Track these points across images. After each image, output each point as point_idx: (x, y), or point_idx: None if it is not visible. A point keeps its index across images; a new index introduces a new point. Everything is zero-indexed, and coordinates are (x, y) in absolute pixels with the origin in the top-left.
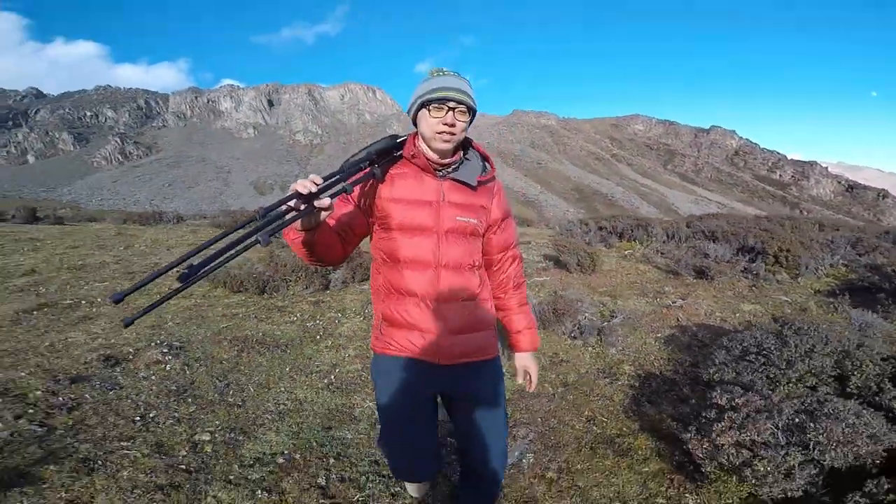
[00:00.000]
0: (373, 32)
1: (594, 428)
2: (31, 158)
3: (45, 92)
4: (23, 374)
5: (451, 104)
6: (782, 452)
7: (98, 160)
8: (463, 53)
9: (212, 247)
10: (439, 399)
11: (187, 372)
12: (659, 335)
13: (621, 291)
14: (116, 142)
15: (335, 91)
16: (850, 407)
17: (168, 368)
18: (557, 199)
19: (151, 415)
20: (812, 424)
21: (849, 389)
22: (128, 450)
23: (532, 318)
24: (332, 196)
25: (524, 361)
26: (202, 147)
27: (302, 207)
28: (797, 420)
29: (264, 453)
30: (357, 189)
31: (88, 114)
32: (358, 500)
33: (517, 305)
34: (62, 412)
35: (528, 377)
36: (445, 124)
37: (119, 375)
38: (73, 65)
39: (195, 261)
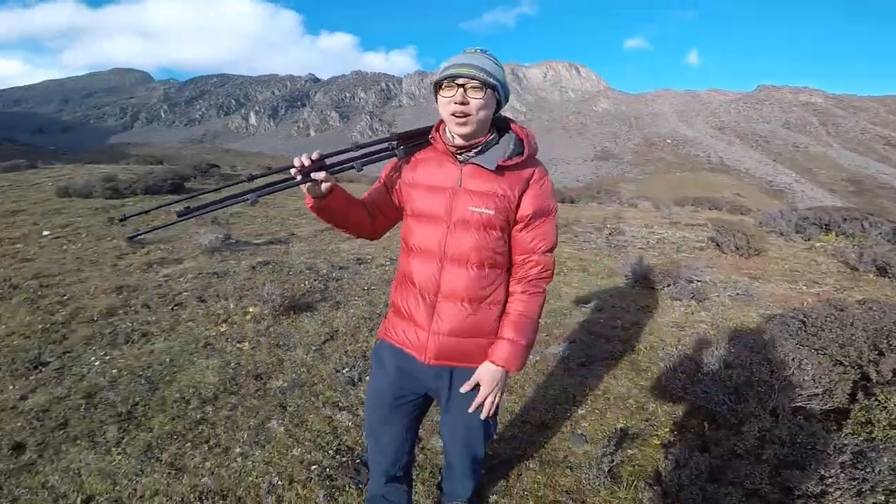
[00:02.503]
0: (572, 10)
1: (629, 350)
2: (312, 132)
3: (318, 77)
4: (318, 262)
5: (461, 80)
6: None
7: (355, 135)
8: (680, 28)
9: (210, 195)
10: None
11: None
12: (768, 312)
13: (770, 276)
14: (367, 119)
15: (537, 69)
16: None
17: (387, 269)
18: (820, 189)
19: (372, 288)
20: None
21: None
22: (356, 301)
23: (527, 333)
24: (337, 171)
25: (482, 373)
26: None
27: (298, 178)
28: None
29: None
30: (386, 168)
31: (347, 95)
32: None
33: (517, 313)
34: (333, 281)
35: (475, 394)
36: (456, 103)
37: (361, 269)
38: (335, 53)
39: (192, 204)
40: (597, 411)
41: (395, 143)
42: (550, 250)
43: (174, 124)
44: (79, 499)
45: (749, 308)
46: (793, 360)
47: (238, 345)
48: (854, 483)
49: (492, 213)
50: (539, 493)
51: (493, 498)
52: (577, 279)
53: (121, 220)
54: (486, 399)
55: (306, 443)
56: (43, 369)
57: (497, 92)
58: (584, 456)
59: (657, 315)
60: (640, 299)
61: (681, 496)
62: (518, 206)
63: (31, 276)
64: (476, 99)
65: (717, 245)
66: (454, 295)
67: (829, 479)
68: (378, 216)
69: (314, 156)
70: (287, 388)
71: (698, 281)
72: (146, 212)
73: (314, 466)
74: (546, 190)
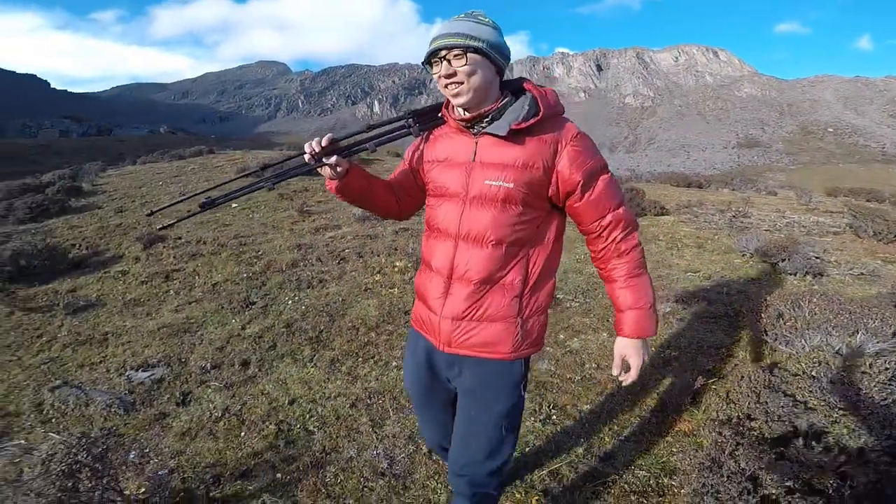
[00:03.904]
0: None
1: (730, 313)
2: None
3: None
4: None
5: (442, 53)
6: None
7: None
8: (846, 10)
9: (229, 185)
10: None
11: None
12: (892, 290)
13: None
14: None
15: (667, 53)
16: None
17: None
18: None
19: None
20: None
21: None
22: None
23: (645, 293)
24: (350, 153)
25: (623, 349)
26: None
27: (312, 164)
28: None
29: None
30: (409, 149)
31: None
32: None
33: (623, 277)
34: None
35: (624, 370)
36: (444, 77)
37: None
38: None
39: (214, 194)
40: (688, 355)
41: (411, 120)
42: (620, 205)
43: (310, 114)
44: (286, 401)
45: (872, 287)
46: (878, 314)
47: (389, 289)
48: (885, 394)
49: (511, 186)
50: (626, 413)
51: (585, 407)
52: (690, 254)
53: (148, 216)
54: (636, 371)
55: None
56: (252, 307)
57: (484, 53)
58: (670, 385)
59: (767, 286)
60: (751, 272)
61: (739, 401)
62: (552, 176)
63: (232, 237)
64: (462, 67)
65: (854, 230)
66: (467, 277)
67: (864, 392)
68: (403, 196)
69: (324, 141)
70: None
71: (817, 258)
72: (173, 204)
73: None
74: (586, 149)
